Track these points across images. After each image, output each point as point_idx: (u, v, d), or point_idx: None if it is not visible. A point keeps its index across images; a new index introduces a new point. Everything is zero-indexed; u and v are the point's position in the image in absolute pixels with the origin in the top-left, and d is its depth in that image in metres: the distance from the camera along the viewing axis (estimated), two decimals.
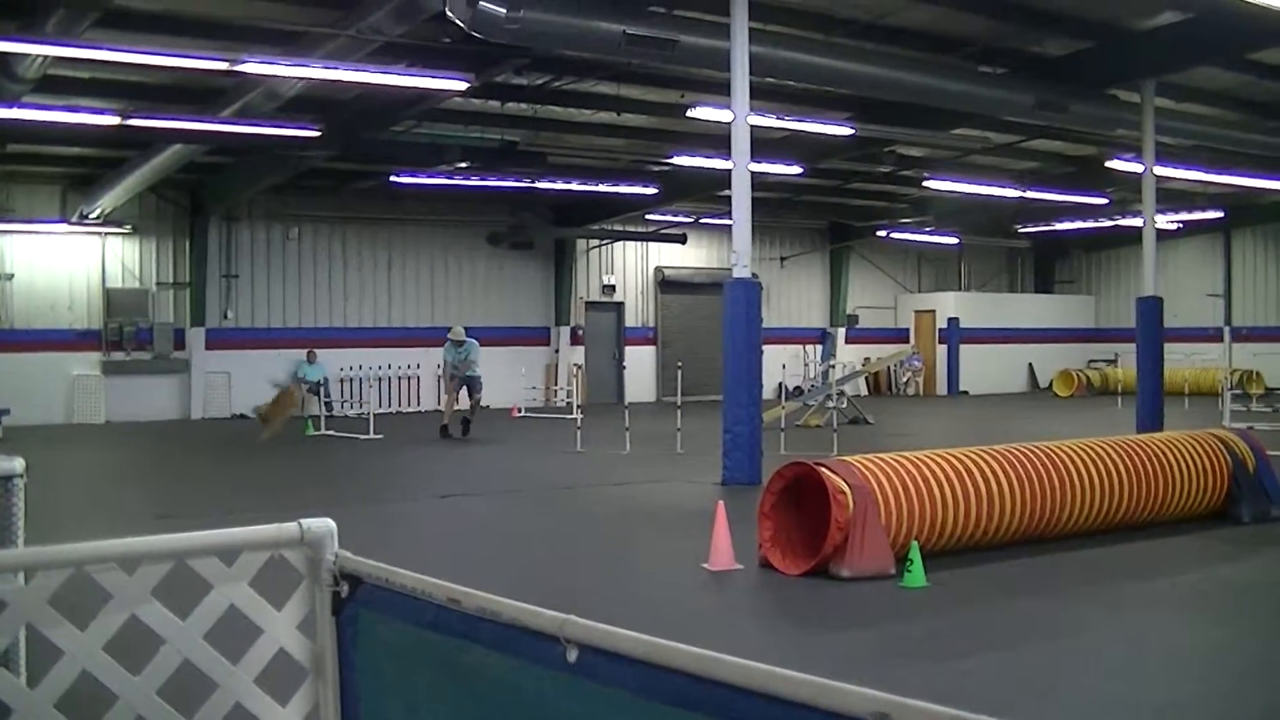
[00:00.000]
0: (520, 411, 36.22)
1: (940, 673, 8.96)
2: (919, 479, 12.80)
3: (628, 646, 2.64)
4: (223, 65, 20.78)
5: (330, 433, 29.39)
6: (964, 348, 48.68)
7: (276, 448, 26.86)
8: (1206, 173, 35.44)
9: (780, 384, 31.39)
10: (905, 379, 48.33)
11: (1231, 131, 31.14)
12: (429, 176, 32.90)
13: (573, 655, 2.76)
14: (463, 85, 23.03)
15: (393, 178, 33.11)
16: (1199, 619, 10.97)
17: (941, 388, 48.65)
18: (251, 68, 20.97)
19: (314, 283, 37.73)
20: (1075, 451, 14.62)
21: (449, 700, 3.32)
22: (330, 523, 3.85)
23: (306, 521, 3.81)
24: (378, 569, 3.61)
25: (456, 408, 29.88)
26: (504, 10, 18.02)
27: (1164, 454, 15.41)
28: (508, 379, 37.85)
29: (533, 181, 34.10)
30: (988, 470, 13.42)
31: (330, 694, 3.90)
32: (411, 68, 22.26)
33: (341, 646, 3.83)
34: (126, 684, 3.63)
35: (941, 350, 48.94)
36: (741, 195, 19.37)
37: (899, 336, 49.95)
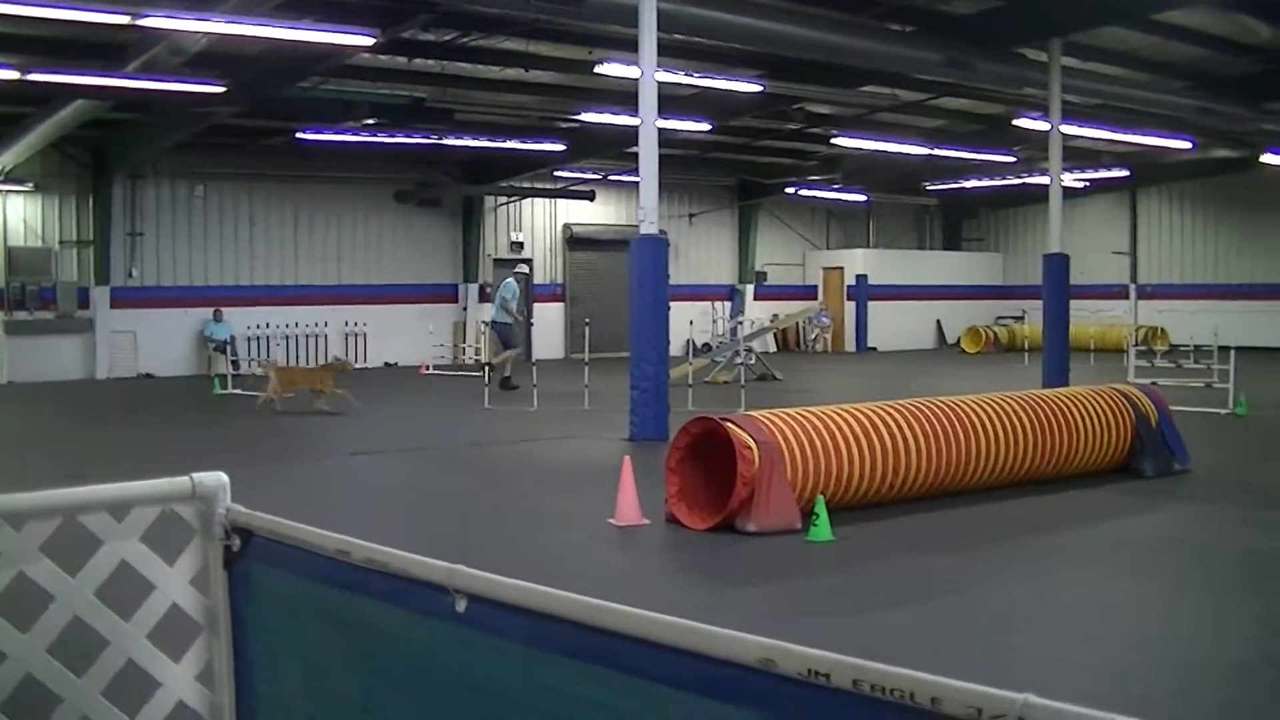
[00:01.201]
0: (429, 369, 36.09)
1: (844, 627, 9.00)
2: (825, 434, 12.84)
3: (516, 596, 2.63)
4: (124, 19, 20.44)
5: (237, 391, 29.12)
6: (872, 304, 48.83)
7: (186, 407, 26.69)
8: (1112, 132, 35.67)
9: (689, 341, 31.36)
10: (813, 336, 48.43)
11: (1137, 91, 31.37)
12: (336, 133, 32.62)
13: (461, 605, 2.74)
14: (369, 41, 22.84)
15: (300, 135, 32.81)
16: (1102, 572, 11.06)
17: (850, 344, 48.79)
18: (154, 22, 20.64)
19: (220, 241, 37.32)
20: (980, 406, 14.70)
21: (340, 652, 3.29)
22: (222, 476, 3.81)
23: (198, 475, 3.77)
24: (269, 522, 3.57)
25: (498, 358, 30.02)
26: None
27: (1068, 409, 15.53)
28: (416, 336, 37.74)
29: (440, 138, 33.90)
30: (893, 425, 13.49)
31: (223, 648, 3.86)
32: (318, 23, 22.03)
33: (234, 601, 3.80)
34: (15, 641, 3.58)
35: (850, 307, 49.07)
36: (649, 152, 19.31)
37: (807, 293, 50.01)
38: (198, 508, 3.79)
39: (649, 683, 2.37)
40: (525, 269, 32.35)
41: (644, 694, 2.39)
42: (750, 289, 48.17)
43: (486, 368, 27.44)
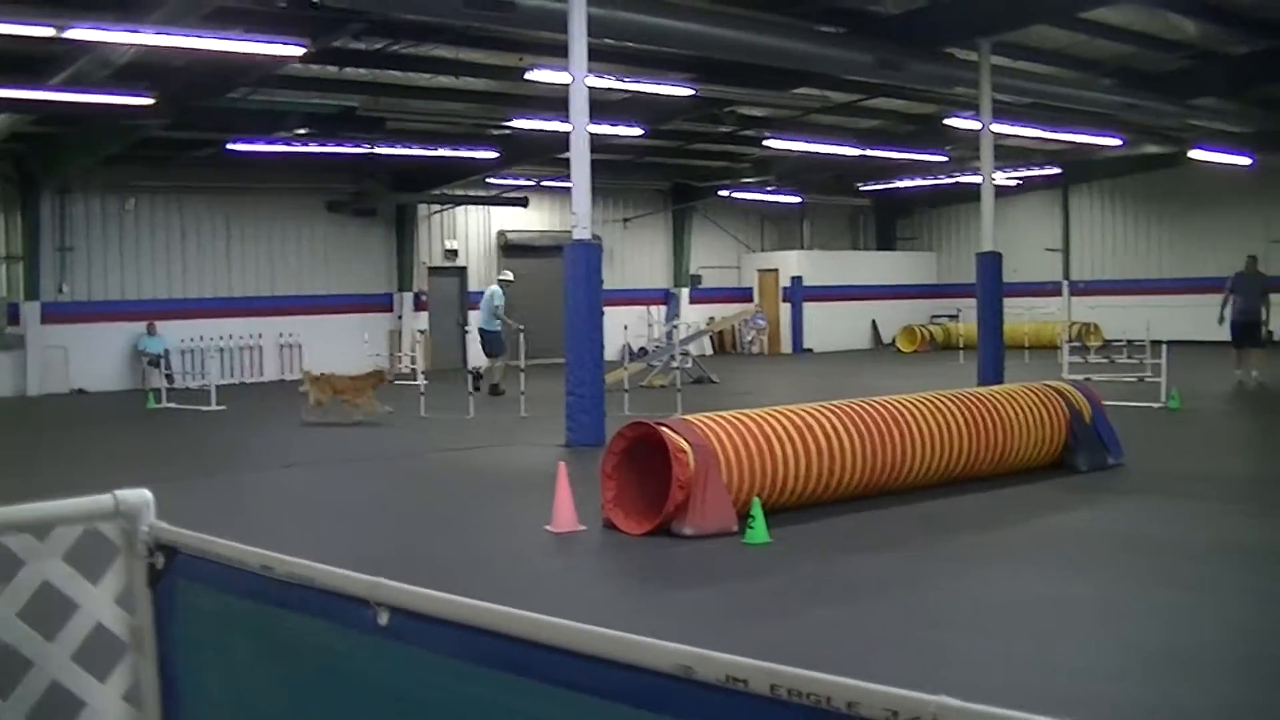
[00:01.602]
0: None
1: (780, 628, 9.02)
2: (760, 436, 12.86)
3: (438, 608, 2.62)
4: (50, 32, 20.30)
5: (172, 405, 28.97)
6: (807, 306, 48.96)
7: (119, 422, 26.54)
8: (1043, 130, 35.93)
9: (625, 345, 31.38)
10: (749, 338, 48.52)
11: (1067, 89, 31.57)
12: (267, 144, 32.53)
13: (384, 619, 2.73)
14: (299, 51, 22.75)
15: (230, 146, 32.69)
16: (1037, 568, 11.12)
17: (786, 346, 48.91)
18: (81, 34, 20.48)
19: (152, 254, 37.06)
20: (915, 405, 14.76)
21: (266, 668, 3.27)
22: (146, 493, 3.77)
23: (121, 493, 3.73)
24: (193, 539, 3.55)
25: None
26: None
27: (1002, 406, 15.61)
28: (351, 346, 37.58)
29: (372, 147, 33.86)
30: (828, 426, 13.52)
31: (150, 668, 3.83)
32: (247, 33, 21.91)
33: (159, 619, 3.76)
34: None
35: (785, 309, 49.19)
36: (580, 157, 19.31)
37: (743, 296, 50.09)
38: (121, 525, 3.75)
39: (572, 692, 2.37)
40: (509, 275, 32.39)
41: (567, 703, 2.38)
42: (685, 292, 48.22)
43: (471, 376, 27.38)
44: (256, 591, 3.20)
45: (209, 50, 22.44)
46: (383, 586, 2.74)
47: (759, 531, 11.83)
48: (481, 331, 30.48)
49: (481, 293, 31.30)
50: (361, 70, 28.19)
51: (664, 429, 12.32)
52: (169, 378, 33.17)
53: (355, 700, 2.91)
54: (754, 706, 2.05)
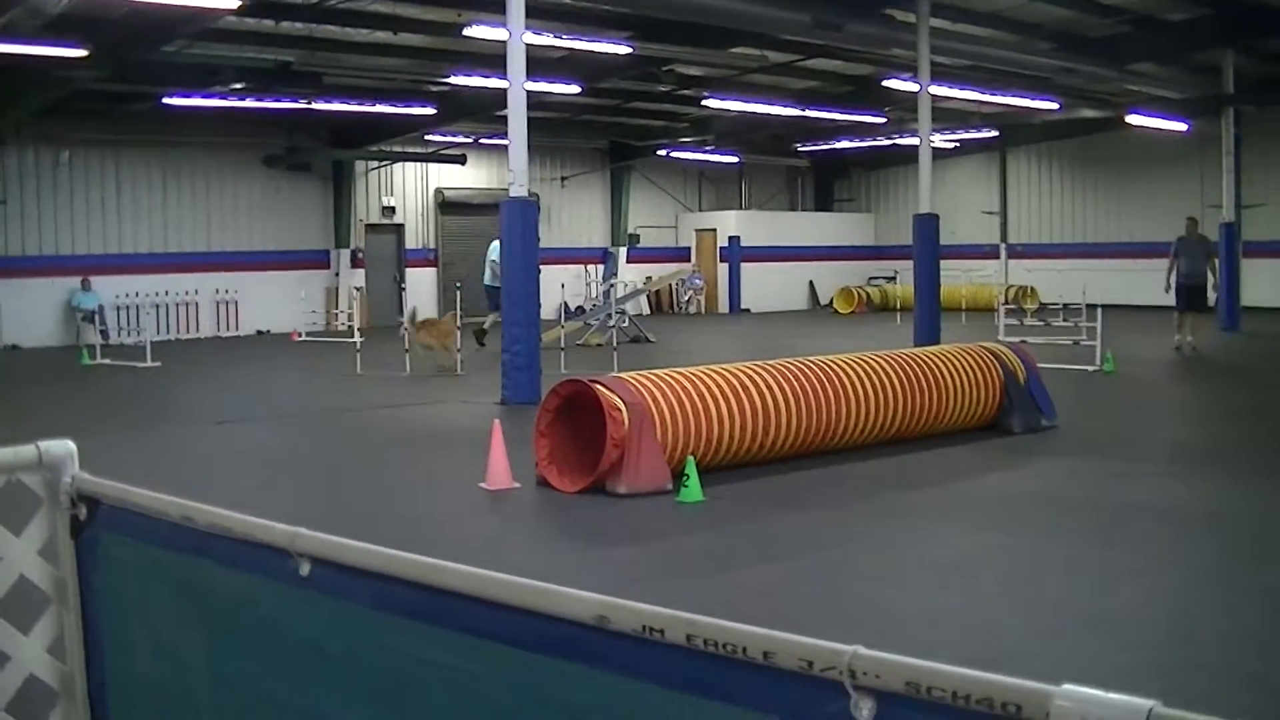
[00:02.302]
0: (301, 336, 35.81)
1: (713, 586, 9.03)
2: (695, 395, 12.87)
3: (357, 558, 2.60)
4: None
5: (107, 361, 28.75)
6: (745, 266, 48.96)
7: (53, 379, 26.34)
8: (981, 93, 36.00)
9: (562, 304, 31.34)
10: (687, 297, 48.52)
11: (1005, 52, 31.65)
12: (203, 98, 32.23)
13: (304, 569, 2.71)
14: (234, 3, 22.54)
15: (166, 99, 32.38)
16: (969, 527, 11.19)
17: (724, 306, 48.93)
18: None
19: (87, 208, 36.70)
20: (850, 365, 14.80)
21: (188, 619, 3.25)
22: (70, 444, 3.74)
23: (44, 444, 3.70)
24: (115, 490, 3.52)
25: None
26: None
27: (937, 367, 15.67)
28: (288, 303, 37.43)
29: (309, 102, 33.60)
30: (763, 385, 13.54)
31: (74, 619, 3.81)
32: None
33: (82, 570, 3.74)
34: None
35: (723, 269, 49.19)
36: (517, 115, 19.25)
37: (680, 255, 50.07)
38: (44, 477, 3.72)
39: (491, 642, 2.36)
40: None
41: (486, 654, 2.38)
42: (623, 251, 48.12)
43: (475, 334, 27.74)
44: (178, 542, 3.19)
45: (144, 2, 22.22)
46: (302, 537, 2.73)
47: (693, 490, 11.85)
48: (487, 287, 30.39)
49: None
50: (298, 24, 27.95)
51: (598, 387, 12.32)
52: (104, 334, 32.98)
53: (276, 651, 2.90)
54: (670, 656, 2.05)
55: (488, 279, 29.98)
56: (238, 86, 31.31)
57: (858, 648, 1.87)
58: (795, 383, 13.89)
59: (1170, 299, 28.37)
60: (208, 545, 3.04)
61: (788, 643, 1.90)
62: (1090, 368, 23.87)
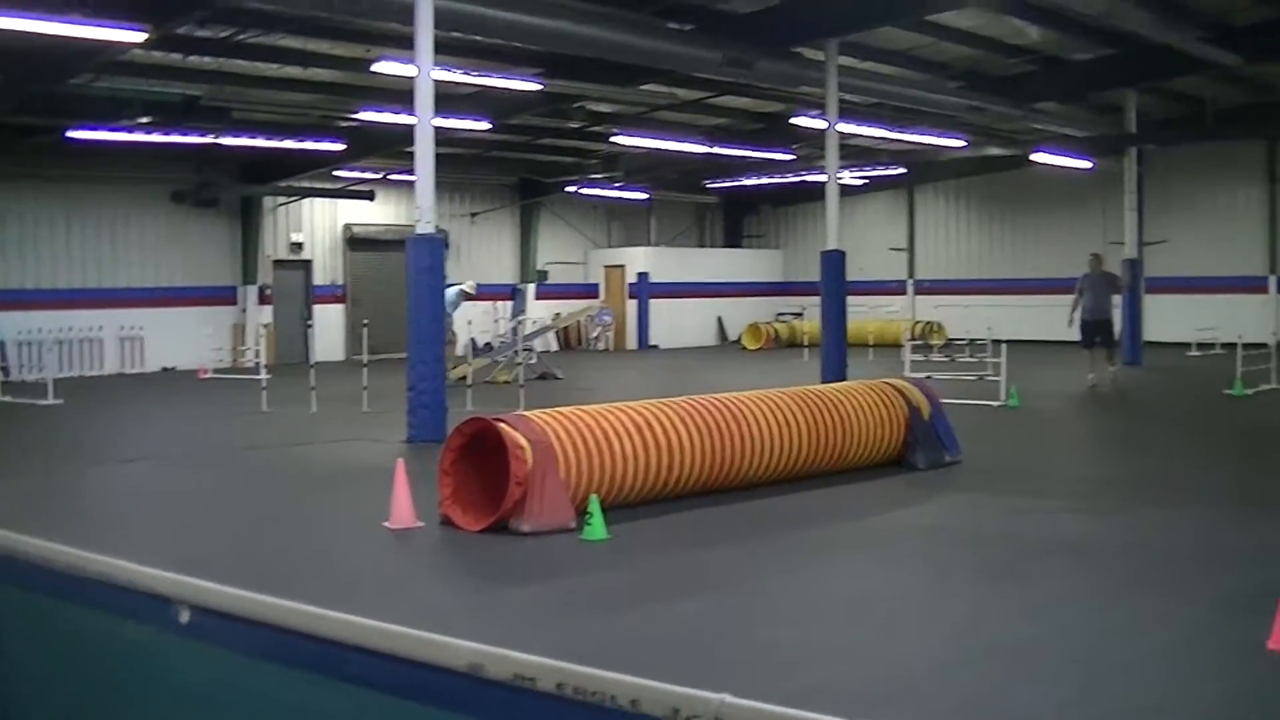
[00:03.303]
0: (207, 373, 35.55)
1: (612, 624, 9.04)
2: (599, 433, 12.88)
3: (237, 606, 2.59)
4: None
5: (7, 398, 28.42)
6: (654, 302, 49.04)
7: None
8: (889, 130, 36.30)
9: (470, 340, 31.29)
10: (595, 334, 48.54)
11: (913, 90, 31.96)
12: (110, 131, 31.97)
13: (185, 617, 2.70)
14: (141, 36, 22.40)
15: (71, 133, 32.11)
16: (872, 564, 11.26)
17: (632, 342, 48.96)
18: None
19: None
20: (755, 403, 14.85)
21: (72, 667, 3.22)
22: None
23: None
24: (4, 538, 3.48)
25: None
26: None
27: (841, 404, 15.74)
28: (194, 339, 37.17)
29: (217, 137, 33.41)
30: (667, 423, 13.57)
31: None
32: (88, 17, 21.55)
33: None
34: None
35: (632, 305, 49.26)
36: (425, 151, 19.23)
37: (589, 292, 50.12)
38: None
39: (369, 690, 2.36)
40: (472, 287, 33.82)
41: (364, 702, 2.38)
42: (532, 288, 48.10)
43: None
44: (63, 590, 3.16)
45: (48, 34, 22.03)
46: (184, 584, 2.71)
47: (596, 528, 11.85)
48: None
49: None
50: (206, 59, 27.82)
51: (502, 425, 12.30)
52: (4, 370, 32.60)
53: (157, 699, 2.88)
54: (542, 705, 2.06)
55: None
56: (145, 121, 31.07)
57: (725, 696, 1.88)
58: (699, 420, 13.93)
59: (1074, 334, 28.61)
60: (94, 593, 3.01)
61: (655, 690, 1.91)
62: (995, 403, 24.08)
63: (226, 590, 2.65)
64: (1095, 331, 28.24)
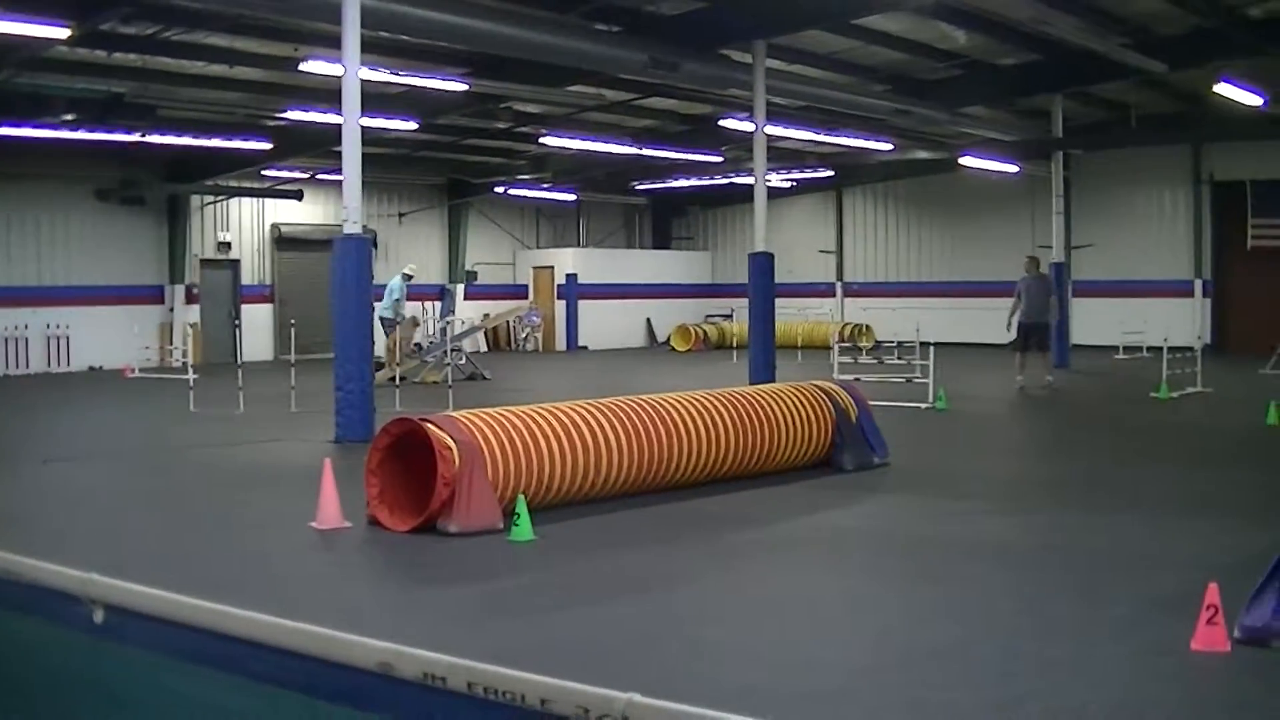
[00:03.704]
0: (134, 372, 35.34)
1: (537, 625, 9.02)
2: (526, 433, 12.88)
3: (151, 605, 2.57)
4: None
5: None
6: (583, 303, 49.06)
7: None
8: (816, 133, 36.43)
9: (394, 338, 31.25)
10: (524, 335, 48.56)
11: (841, 94, 32.09)
12: (33, 128, 31.68)
13: (99, 616, 2.68)
14: (64, 33, 22.23)
15: None
16: (801, 565, 11.28)
17: (561, 343, 48.97)
18: None
19: None
20: (682, 404, 14.87)
21: None
22: None
23: None
24: None
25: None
26: None
27: (769, 405, 15.78)
28: (121, 338, 36.93)
29: (143, 135, 33.17)
30: (594, 424, 13.57)
31: None
32: (7, 12, 21.35)
33: None
34: None
35: (560, 306, 49.26)
36: (352, 151, 19.15)
37: (518, 292, 50.10)
38: None
39: (280, 689, 2.35)
40: (413, 270, 35.51)
41: (275, 700, 2.36)
42: (461, 288, 48.01)
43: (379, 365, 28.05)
44: None
45: None
46: (95, 583, 2.69)
47: (523, 529, 11.84)
48: (382, 319, 31.50)
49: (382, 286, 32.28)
50: (131, 55, 27.61)
51: (429, 426, 12.28)
52: None
53: (68, 698, 2.85)
54: (452, 703, 2.05)
55: (384, 310, 31.62)
56: (69, 118, 30.81)
57: (633, 695, 1.88)
58: (627, 421, 13.94)
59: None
60: (9, 594, 2.98)
61: (565, 690, 1.91)
62: (923, 405, 24.21)
63: (140, 589, 2.63)
64: (1031, 334, 28.44)
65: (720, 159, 42.23)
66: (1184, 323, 40.20)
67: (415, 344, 33.55)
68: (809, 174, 45.83)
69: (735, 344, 42.05)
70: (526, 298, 49.53)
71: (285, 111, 32.08)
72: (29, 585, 2.87)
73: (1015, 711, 7.14)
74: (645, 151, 39.71)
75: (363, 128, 19.59)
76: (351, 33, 19.01)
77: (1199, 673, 7.72)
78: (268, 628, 2.31)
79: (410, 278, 34.14)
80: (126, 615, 2.64)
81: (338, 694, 2.25)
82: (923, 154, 41.89)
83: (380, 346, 30.05)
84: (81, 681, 2.80)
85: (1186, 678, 7.68)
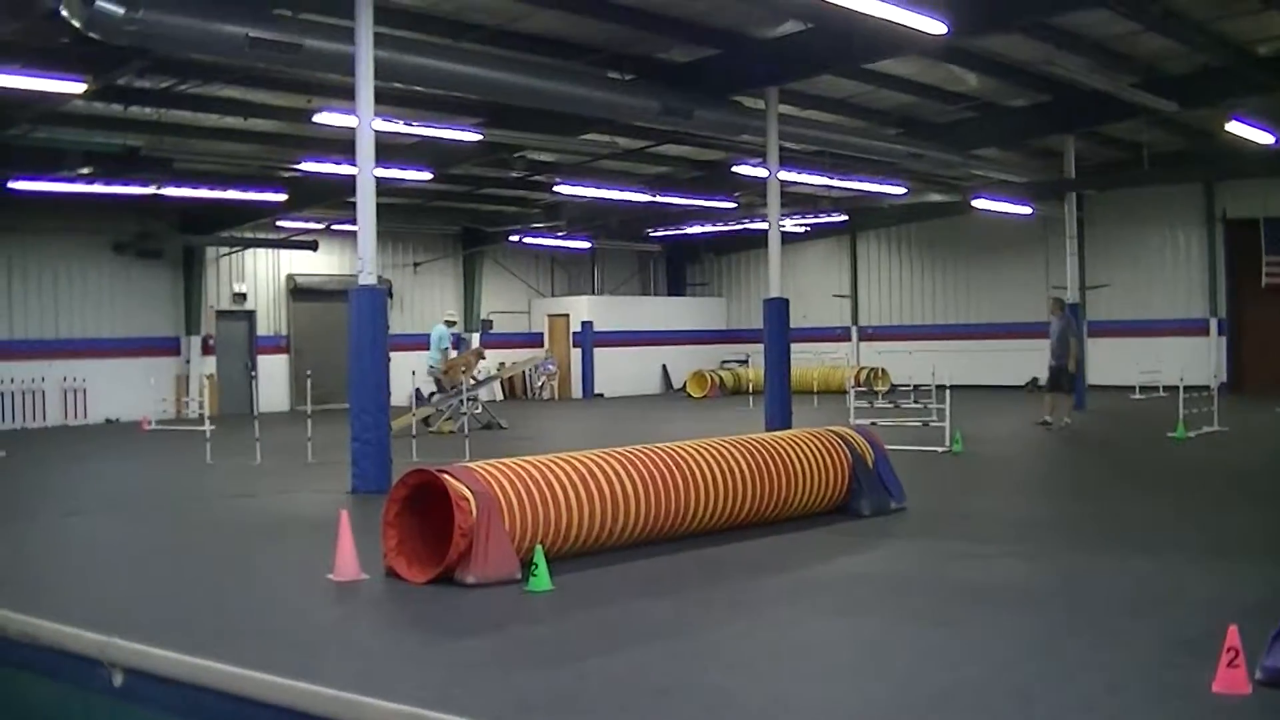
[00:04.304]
0: (151, 424, 35.36)
1: (558, 675, 8.98)
2: (543, 483, 12.85)
3: (170, 668, 2.57)
4: None
5: None
6: (598, 351, 49.07)
7: None
8: (829, 177, 36.44)
9: (415, 390, 31.22)
10: (540, 383, 48.57)
11: (853, 138, 32.14)
12: (49, 182, 31.81)
13: (118, 679, 2.68)
14: (80, 87, 22.37)
15: (10, 184, 31.93)
16: (819, 611, 11.22)
17: (577, 391, 48.99)
18: None
19: None
20: (698, 451, 14.83)
21: None
22: None
23: None
24: None
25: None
26: (122, 10, 17.50)
27: (785, 451, 15.73)
28: (137, 390, 36.97)
29: (159, 188, 33.27)
30: (610, 472, 13.55)
31: None
32: (25, 68, 21.47)
33: None
34: None
35: (576, 354, 49.28)
36: (366, 202, 19.18)
37: (533, 341, 50.15)
38: None
39: None
40: (454, 315, 37.24)
41: None
42: (476, 337, 48.05)
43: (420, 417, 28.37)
44: None
45: None
46: (113, 646, 2.69)
47: (541, 579, 11.81)
48: (432, 369, 32.60)
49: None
50: (147, 109, 27.74)
51: (445, 476, 12.26)
52: None
53: None
54: None
55: (433, 360, 33.04)
56: (85, 171, 30.94)
57: None
58: (644, 469, 13.91)
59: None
60: (20, 654, 2.98)
61: None
62: (939, 448, 24.16)
63: (159, 653, 2.64)
64: (1055, 376, 28.63)
65: (734, 205, 42.32)
66: (1199, 361, 40.15)
67: (430, 393, 33.56)
68: (822, 219, 45.89)
69: (751, 389, 42.03)
70: (542, 346, 49.56)
71: (299, 163, 32.19)
72: (49, 649, 2.88)
73: None
74: (659, 198, 39.80)
75: (377, 178, 19.64)
76: (365, 84, 19.09)
77: (1220, 715, 7.67)
78: (285, 690, 2.32)
79: (453, 324, 34.82)
80: (145, 678, 2.64)
81: None
82: (936, 197, 41.94)
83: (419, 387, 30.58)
84: None
85: (1206, 719, 7.64)
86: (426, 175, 32.78)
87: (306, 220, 41.66)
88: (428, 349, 33.72)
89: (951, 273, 48.92)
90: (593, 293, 52.07)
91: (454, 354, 33.85)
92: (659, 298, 55.41)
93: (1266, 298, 40.41)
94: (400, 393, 29.14)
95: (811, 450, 16.08)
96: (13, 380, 36.65)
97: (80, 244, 38.27)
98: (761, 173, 29.37)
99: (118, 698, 2.52)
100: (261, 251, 42.61)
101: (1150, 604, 10.99)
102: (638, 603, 11.62)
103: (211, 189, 34.23)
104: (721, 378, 48.62)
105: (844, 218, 46.10)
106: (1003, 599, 11.40)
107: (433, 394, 33.62)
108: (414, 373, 31.18)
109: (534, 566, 11.86)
